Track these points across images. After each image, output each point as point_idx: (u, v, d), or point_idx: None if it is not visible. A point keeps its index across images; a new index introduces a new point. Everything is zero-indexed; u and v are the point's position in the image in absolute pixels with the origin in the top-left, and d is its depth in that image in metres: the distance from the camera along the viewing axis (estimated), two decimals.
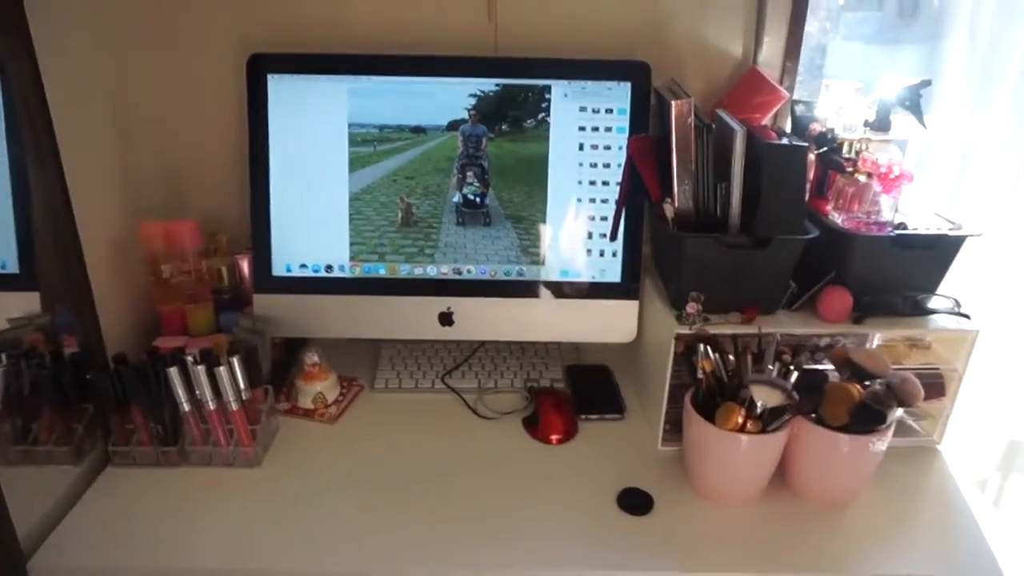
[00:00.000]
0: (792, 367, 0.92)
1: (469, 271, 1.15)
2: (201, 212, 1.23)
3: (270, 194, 1.12)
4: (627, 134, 1.11)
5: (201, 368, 0.94)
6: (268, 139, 1.11)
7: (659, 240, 1.15)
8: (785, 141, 0.97)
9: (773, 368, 0.93)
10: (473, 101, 1.10)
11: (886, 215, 0.98)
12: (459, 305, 1.16)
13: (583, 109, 1.10)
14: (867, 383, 0.91)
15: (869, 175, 0.98)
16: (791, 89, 1.21)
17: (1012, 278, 1.32)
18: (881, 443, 0.90)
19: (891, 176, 0.97)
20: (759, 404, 0.87)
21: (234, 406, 0.97)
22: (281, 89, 1.10)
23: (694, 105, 0.95)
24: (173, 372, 0.94)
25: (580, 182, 1.12)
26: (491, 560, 0.85)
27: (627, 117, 1.11)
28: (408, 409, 1.13)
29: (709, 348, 0.93)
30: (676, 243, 0.98)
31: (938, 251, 0.99)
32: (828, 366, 0.97)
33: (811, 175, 1.05)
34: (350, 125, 1.11)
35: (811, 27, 1.21)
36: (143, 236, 1.10)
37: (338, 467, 1.00)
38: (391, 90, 1.10)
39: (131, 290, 1.12)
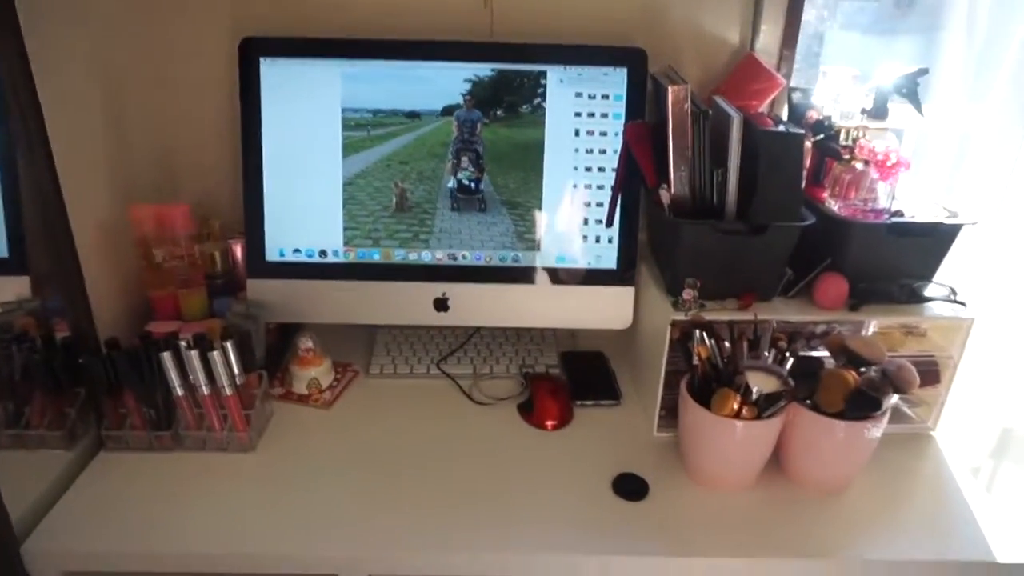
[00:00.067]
0: (788, 354, 0.92)
1: (464, 257, 1.15)
2: (193, 196, 1.22)
3: (263, 178, 1.11)
4: (623, 120, 1.10)
5: (195, 353, 0.94)
6: (261, 123, 1.10)
7: (655, 226, 1.15)
8: (782, 128, 0.97)
9: (769, 354, 0.93)
10: (468, 86, 1.09)
11: (883, 202, 0.98)
12: (454, 291, 1.16)
13: (579, 95, 1.10)
14: (863, 370, 0.91)
15: (866, 162, 0.98)
16: (788, 76, 1.20)
17: (1007, 266, 1.32)
18: (876, 430, 0.90)
19: (888, 163, 0.97)
20: (755, 390, 0.87)
21: (228, 391, 0.96)
22: (274, 73, 1.09)
23: (691, 91, 0.95)
24: (166, 357, 0.93)
25: (576, 168, 1.12)
26: (487, 545, 0.85)
27: (623, 103, 1.10)
28: (403, 395, 1.13)
29: (705, 334, 0.93)
30: (672, 229, 0.98)
31: (934, 239, 0.99)
32: (824, 353, 0.98)
33: (808, 162, 1.05)
34: (344, 109, 1.10)
35: (808, 15, 1.20)
36: (134, 220, 1.09)
37: (332, 452, 1.00)
38: (385, 74, 1.09)
39: (123, 274, 1.11)
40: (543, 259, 1.15)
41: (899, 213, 1.00)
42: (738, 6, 1.18)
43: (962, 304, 0.99)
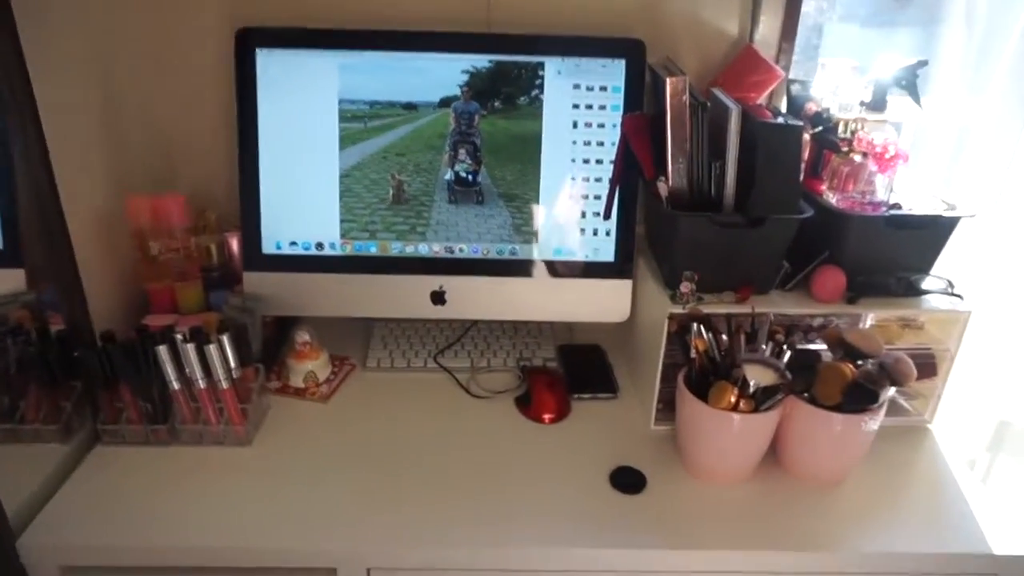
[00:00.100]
0: (785, 347, 0.92)
1: (461, 249, 1.14)
2: (189, 188, 1.21)
3: (259, 170, 1.11)
4: (621, 112, 1.10)
5: (191, 346, 0.93)
6: (257, 115, 1.09)
7: (653, 219, 1.15)
8: (780, 120, 0.97)
9: (766, 348, 0.93)
10: (466, 77, 1.09)
11: (881, 195, 0.98)
12: (451, 284, 1.15)
13: (577, 86, 1.09)
14: (860, 363, 0.91)
15: (864, 155, 0.98)
16: (787, 68, 1.20)
17: (1005, 259, 1.33)
18: (873, 422, 0.90)
19: (887, 156, 0.97)
20: (752, 383, 0.87)
21: (224, 384, 0.96)
22: (270, 64, 1.08)
23: (689, 83, 0.94)
24: (162, 350, 0.93)
25: (573, 160, 1.11)
26: (484, 539, 0.85)
27: (621, 95, 1.10)
28: (400, 388, 1.13)
29: (702, 327, 0.92)
30: (670, 222, 0.97)
31: (932, 231, 0.99)
32: (821, 346, 0.97)
33: (806, 155, 1.05)
34: (340, 101, 1.09)
35: (807, 7, 1.19)
36: (130, 211, 1.09)
37: (330, 446, 1.00)
38: (382, 66, 1.08)
39: (118, 267, 1.11)
40: (541, 252, 1.15)
41: (897, 206, 1.00)
42: None
43: (959, 297, 0.99)
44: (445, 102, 1.09)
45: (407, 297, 1.16)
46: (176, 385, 0.95)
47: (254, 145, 1.10)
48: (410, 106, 1.09)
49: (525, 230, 1.14)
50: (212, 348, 0.94)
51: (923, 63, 1.03)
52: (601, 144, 1.11)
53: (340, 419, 1.06)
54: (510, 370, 1.18)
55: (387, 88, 1.09)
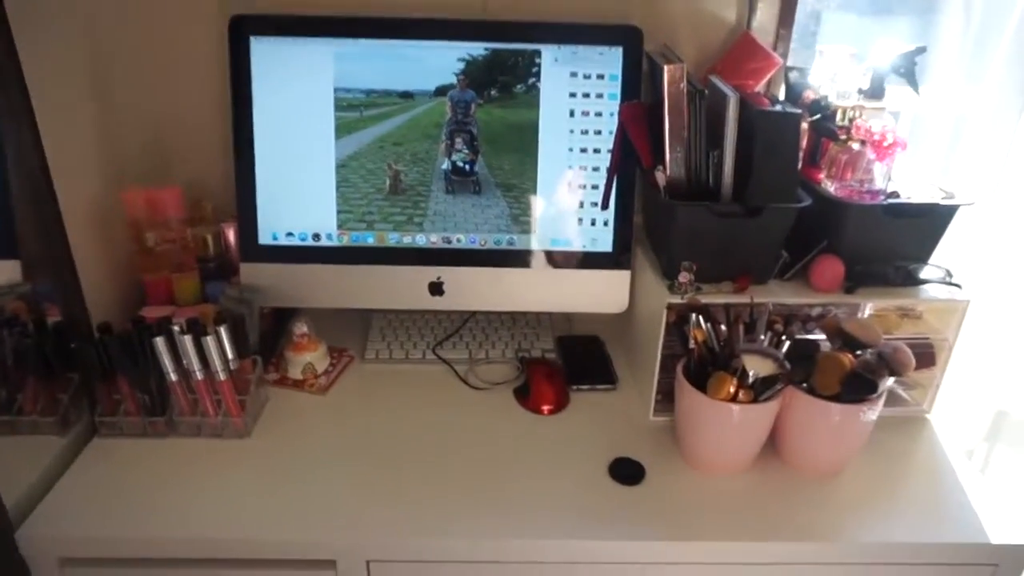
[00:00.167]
0: (784, 337, 0.92)
1: (459, 240, 1.14)
2: (185, 179, 1.20)
3: (255, 160, 1.10)
4: (619, 100, 1.09)
5: (188, 338, 0.93)
6: (252, 104, 1.08)
7: (651, 209, 1.14)
8: (778, 108, 0.96)
9: (765, 338, 0.92)
10: (462, 66, 1.08)
11: (879, 183, 0.98)
12: (449, 274, 1.15)
13: (574, 75, 1.08)
14: (859, 352, 0.91)
15: (863, 143, 0.97)
16: (785, 56, 1.19)
17: (1003, 248, 1.32)
18: (872, 412, 0.90)
19: (885, 144, 0.96)
20: (751, 374, 0.87)
21: (222, 376, 0.96)
22: (264, 52, 1.07)
23: (687, 71, 0.94)
24: (159, 342, 0.93)
25: (571, 149, 1.11)
26: (483, 530, 0.85)
27: (619, 83, 1.09)
28: (399, 380, 1.13)
29: (701, 318, 0.92)
30: (668, 211, 0.97)
31: (930, 220, 0.99)
32: (820, 336, 0.97)
33: (804, 143, 1.04)
34: (336, 89, 1.08)
35: None
36: (126, 203, 1.08)
37: (329, 438, 1.00)
38: (378, 54, 1.08)
39: (114, 258, 1.10)
40: (538, 242, 1.14)
41: (895, 194, 0.99)
42: None
43: (958, 286, 0.99)
44: (441, 91, 1.08)
45: (405, 288, 1.15)
46: (173, 377, 0.95)
47: (249, 135, 1.09)
48: (406, 95, 1.09)
49: (523, 220, 1.13)
50: (209, 340, 0.94)
51: (921, 49, 1.02)
52: (599, 133, 1.10)
53: (338, 411, 1.06)
54: (509, 361, 1.18)
55: (383, 76, 1.08)
